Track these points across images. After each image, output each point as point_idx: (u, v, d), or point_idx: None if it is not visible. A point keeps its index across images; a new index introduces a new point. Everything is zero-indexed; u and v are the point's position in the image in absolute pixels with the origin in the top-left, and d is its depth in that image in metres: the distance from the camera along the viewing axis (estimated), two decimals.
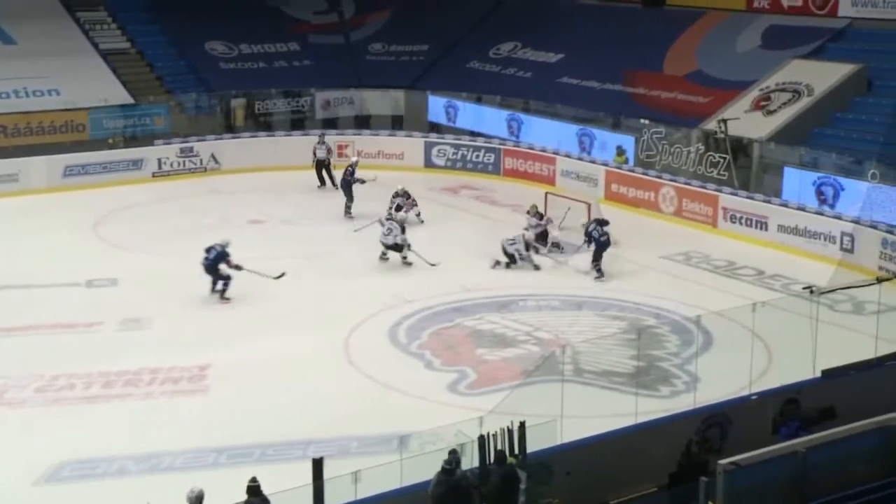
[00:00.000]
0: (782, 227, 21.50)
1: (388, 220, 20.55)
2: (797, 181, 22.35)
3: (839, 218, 20.79)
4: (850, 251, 20.16)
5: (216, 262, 18.03)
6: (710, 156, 24.05)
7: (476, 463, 10.54)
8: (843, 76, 24.57)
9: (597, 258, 19.48)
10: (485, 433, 10.54)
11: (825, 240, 20.68)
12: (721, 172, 23.72)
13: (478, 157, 27.93)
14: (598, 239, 19.40)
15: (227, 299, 18.10)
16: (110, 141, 27.55)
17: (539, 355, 15.67)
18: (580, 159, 26.24)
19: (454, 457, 10.16)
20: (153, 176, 26.96)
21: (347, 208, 23.67)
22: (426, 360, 15.90)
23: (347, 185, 23.87)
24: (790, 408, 12.10)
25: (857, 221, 20.36)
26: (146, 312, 17.59)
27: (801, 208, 21.55)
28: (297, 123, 30.47)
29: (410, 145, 28.43)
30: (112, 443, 13.24)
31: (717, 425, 11.80)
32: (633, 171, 25.05)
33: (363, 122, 30.98)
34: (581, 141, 26.98)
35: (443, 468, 10.08)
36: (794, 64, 25.65)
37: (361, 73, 31.93)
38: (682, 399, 13.73)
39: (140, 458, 12.84)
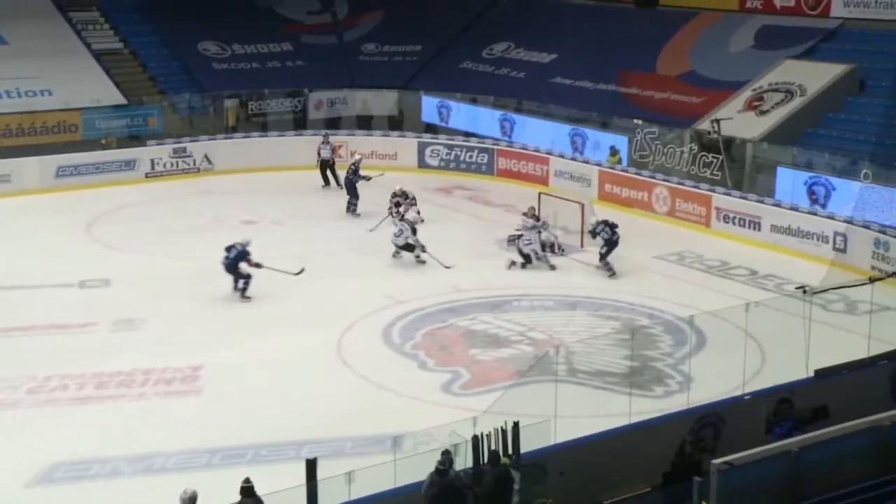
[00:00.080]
0: (775, 227, 21.53)
1: (400, 220, 20.71)
2: (790, 181, 22.40)
3: (832, 218, 20.83)
4: (843, 251, 20.21)
5: (237, 261, 18.10)
6: (704, 156, 24.08)
7: (470, 463, 10.54)
8: (836, 76, 24.63)
9: (605, 257, 19.69)
10: (479, 433, 10.54)
11: (818, 240, 20.72)
12: (714, 172, 23.75)
13: (471, 157, 27.94)
14: (611, 239, 19.62)
15: (248, 298, 18.14)
16: (103, 141, 27.49)
17: (533, 355, 15.66)
18: (573, 159, 26.26)
19: (447, 457, 10.17)
20: (146, 176, 26.92)
21: (353, 207, 23.76)
22: (420, 361, 15.89)
23: (351, 184, 23.91)
24: (783, 407, 12.12)
25: (849, 221, 20.40)
26: (139, 313, 17.56)
27: (794, 208, 21.60)
28: (291, 124, 30.43)
29: (404, 146, 28.43)
30: (105, 444, 13.20)
31: (710, 425, 11.81)
32: (626, 171, 25.07)
33: (364, 123, 30.97)
34: (573, 141, 27.00)
35: (436, 469, 10.07)
36: (786, 64, 25.70)
37: (355, 73, 31.91)
38: (675, 399, 13.74)
39: (133, 459, 12.81)
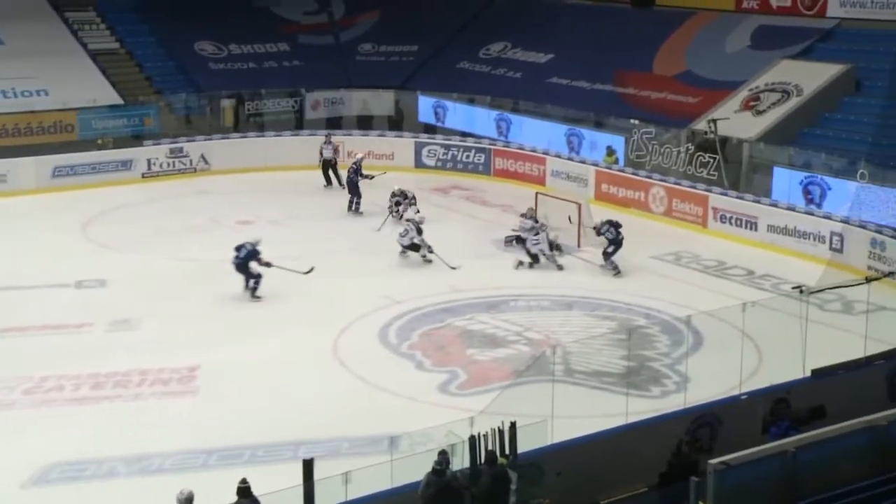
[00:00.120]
0: (772, 227, 21.54)
1: (407, 220, 20.77)
2: (787, 181, 22.41)
3: (829, 218, 20.83)
4: (840, 251, 20.21)
5: (247, 261, 18.11)
6: (700, 156, 24.09)
7: (467, 463, 10.53)
8: (832, 76, 24.64)
9: (611, 256, 19.78)
10: (475, 433, 10.53)
11: (815, 240, 20.73)
12: (711, 172, 23.76)
13: (468, 157, 27.93)
14: (616, 238, 19.72)
15: (259, 297, 18.12)
16: (99, 141, 27.44)
17: (529, 355, 15.65)
18: (570, 159, 26.26)
19: (444, 457, 10.16)
20: (142, 177, 26.88)
21: (357, 205, 23.81)
22: (417, 361, 15.88)
23: (353, 183, 23.94)
24: (780, 407, 12.11)
25: (846, 221, 20.42)
26: (135, 313, 17.54)
27: (791, 208, 21.60)
28: (287, 124, 30.40)
29: (400, 146, 28.41)
30: (101, 444, 13.18)
31: (707, 425, 11.81)
32: (622, 171, 25.08)
33: (365, 123, 30.94)
34: (570, 141, 27.00)
35: (433, 469, 10.07)
36: (783, 64, 25.71)
37: (351, 73, 31.90)
38: (672, 399, 13.73)
39: (129, 459, 12.79)
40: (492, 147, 27.73)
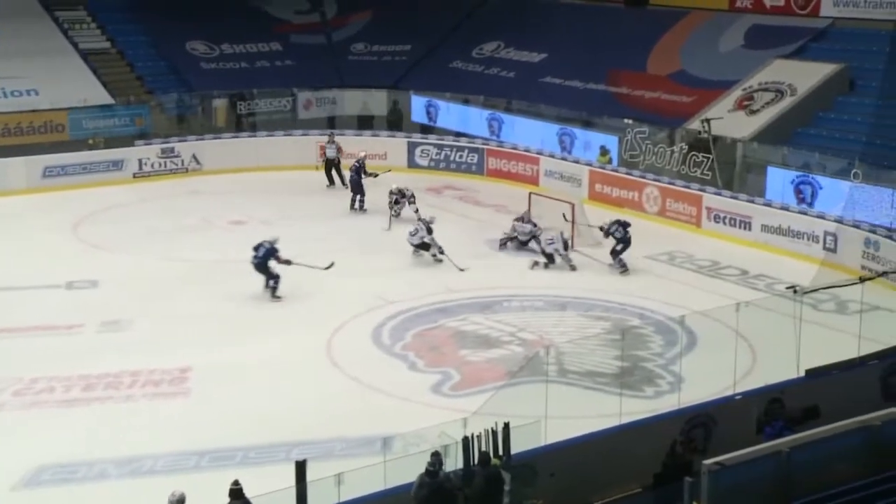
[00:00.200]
0: (766, 226, 21.54)
1: (418, 220, 20.80)
2: (780, 181, 22.41)
3: (822, 217, 20.84)
4: (833, 251, 20.21)
5: (266, 260, 17.98)
6: (694, 155, 24.07)
7: (460, 464, 10.49)
8: (826, 76, 24.66)
9: (619, 254, 19.90)
10: (469, 434, 10.49)
11: (808, 239, 20.72)
12: (704, 172, 23.74)
13: (461, 157, 27.88)
14: (624, 237, 19.89)
15: (279, 297, 18.00)
16: (90, 141, 27.34)
17: (523, 356, 15.62)
18: (564, 159, 26.23)
19: (437, 458, 10.12)
20: (134, 177, 26.78)
21: (361, 203, 23.84)
22: (410, 362, 15.83)
23: (356, 182, 23.88)
24: (774, 407, 12.09)
25: (839, 221, 20.41)
26: (127, 314, 17.45)
27: (785, 208, 21.61)
28: (280, 123, 30.32)
29: (393, 145, 28.34)
30: (92, 446, 13.10)
31: (701, 425, 11.78)
32: (616, 171, 25.05)
33: (366, 123, 30.86)
34: (561, 140, 26.97)
35: (426, 470, 10.03)
36: (776, 64, 25.71)
37: (344, 73, 31.83)
38: (666, 399, 13.72)
39: (121, 461, 12.72)
40: (485, 147, 27.69)
